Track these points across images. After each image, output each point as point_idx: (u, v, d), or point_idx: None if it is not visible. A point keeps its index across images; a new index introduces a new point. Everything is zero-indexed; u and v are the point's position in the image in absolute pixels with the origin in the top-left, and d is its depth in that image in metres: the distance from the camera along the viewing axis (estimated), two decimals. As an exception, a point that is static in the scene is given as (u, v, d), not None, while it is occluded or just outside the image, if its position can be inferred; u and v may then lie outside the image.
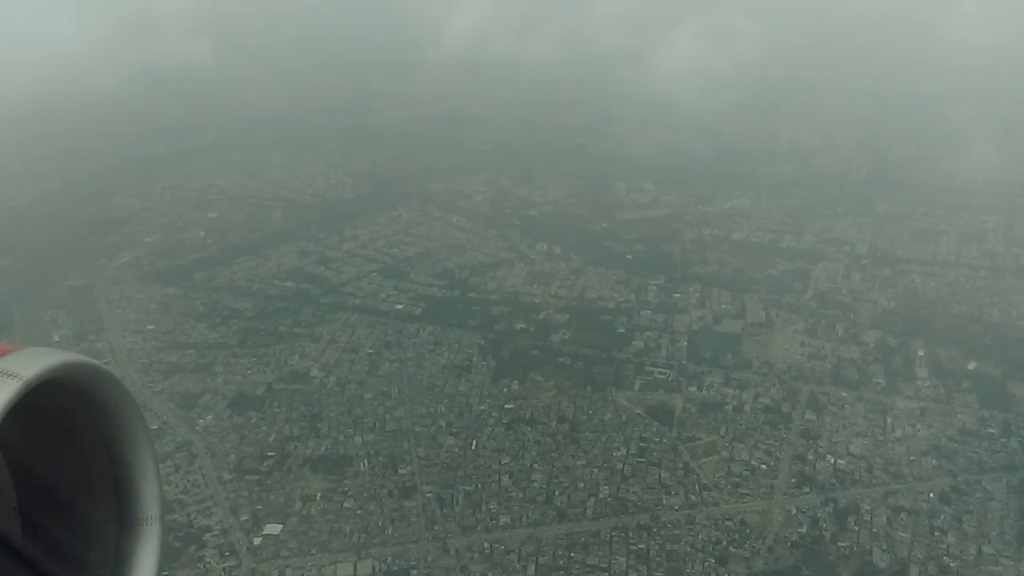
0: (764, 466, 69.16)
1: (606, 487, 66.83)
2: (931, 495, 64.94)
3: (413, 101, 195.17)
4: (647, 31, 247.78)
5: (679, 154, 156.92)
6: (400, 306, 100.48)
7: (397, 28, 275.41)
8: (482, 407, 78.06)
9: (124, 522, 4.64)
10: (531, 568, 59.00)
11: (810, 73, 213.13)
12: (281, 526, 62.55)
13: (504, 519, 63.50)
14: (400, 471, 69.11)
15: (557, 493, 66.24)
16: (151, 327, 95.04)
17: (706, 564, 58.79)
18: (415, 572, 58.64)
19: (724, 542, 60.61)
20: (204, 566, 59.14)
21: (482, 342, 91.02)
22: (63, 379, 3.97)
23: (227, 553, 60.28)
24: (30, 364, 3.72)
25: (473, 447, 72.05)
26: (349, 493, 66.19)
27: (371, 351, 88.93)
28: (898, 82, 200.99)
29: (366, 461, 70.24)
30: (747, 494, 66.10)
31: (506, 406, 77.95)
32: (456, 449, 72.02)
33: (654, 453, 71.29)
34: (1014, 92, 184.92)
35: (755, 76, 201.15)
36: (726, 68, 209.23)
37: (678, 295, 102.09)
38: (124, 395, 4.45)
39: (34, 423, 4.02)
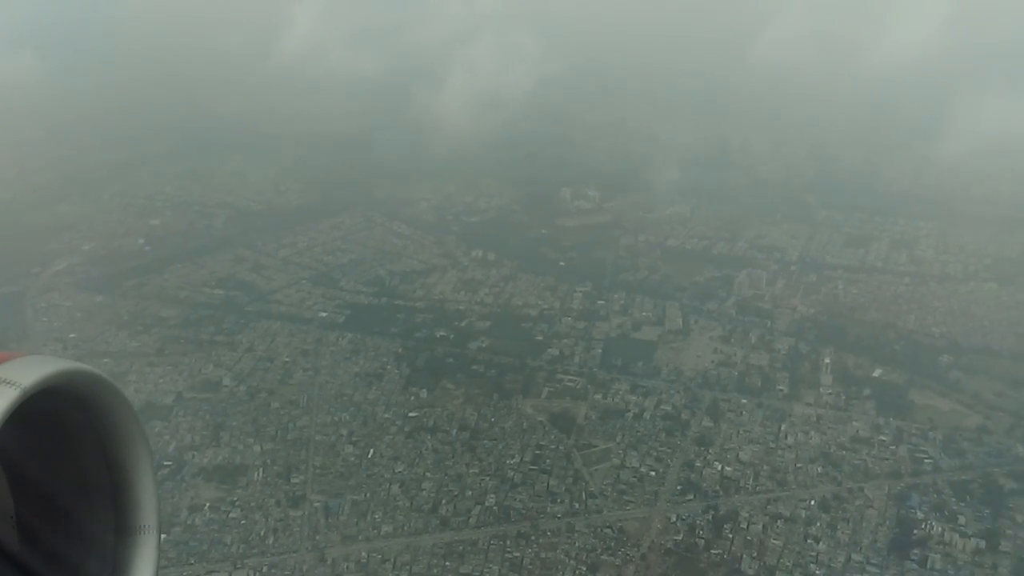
0: (653, 473, 69.91)
1: (493, 496, 67.48)
2: (812, 503, 65.73)
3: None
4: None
5: (628, 160, 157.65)
6: (324, 314, 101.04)
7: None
8: (387, 415, 78.66)
9: (121, 530, 4.63)
10: (405, 577, 59.65)
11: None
12: (164, 536, 62.85)
13: (387, 528, 64.11)
14: (293, 480, 69.65)
15: (444, 502, 66.87)
16: (73, 335, 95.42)
17: (577, 572, 59.52)
18: (290, 582, 59.17)
19: (599, 550, 61.23)
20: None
21: (400, 350, 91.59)
22: (61, 387, 3.98)
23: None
24: (28, 372, 3.73)
25: (370, 456, 72.65)
26: (237, 503, 66.71)
27: (287, 359, 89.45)
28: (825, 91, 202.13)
29: (261, 471, 70.77)
30: (631, 501, 66.84)
31: (410, 414, 78.57)
32: (352, 458, 72.58)
33: (547, 461, 71.95)
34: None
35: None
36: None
37: (602, 302, 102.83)
38: (122, 403, 4.45)
39: (32, 431, 3.99)
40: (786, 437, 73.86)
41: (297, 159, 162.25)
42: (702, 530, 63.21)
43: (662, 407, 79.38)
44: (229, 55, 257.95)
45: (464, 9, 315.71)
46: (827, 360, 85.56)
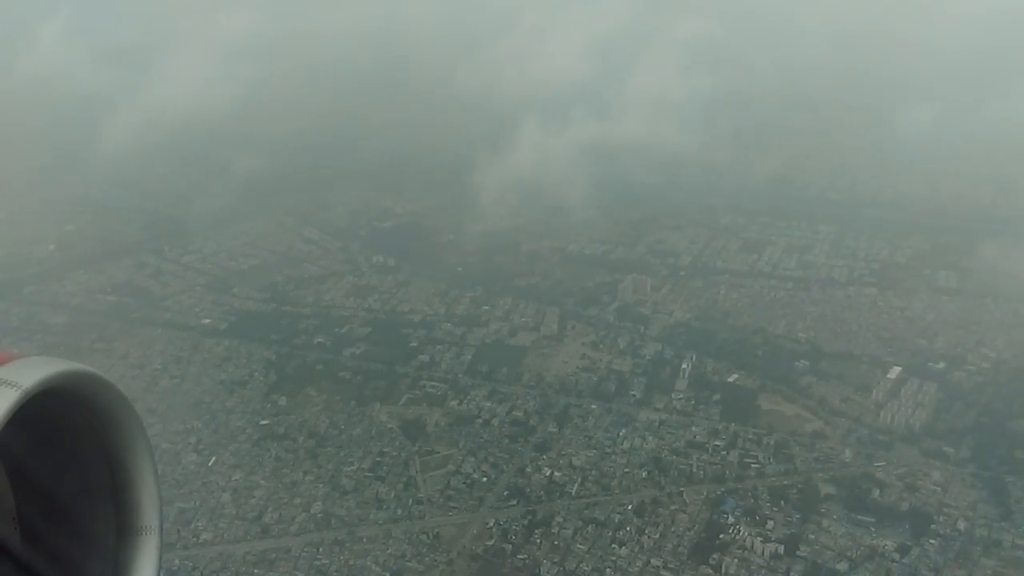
0: (485, 479, 71.17)
1: (320, 503, 68.71)
2: (629, 507, 67.02)
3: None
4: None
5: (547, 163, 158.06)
6: (207, 320, 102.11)
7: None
8: (239, 423, 79.74)
9: (123, 531, 4.62)
10: (213, 584, 60.77)
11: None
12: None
13: (206, 536, 65.27)
14: (128, 488, 70.50)
15: (271, 509, 68.05)
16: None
17: (380, 578, 60.67)
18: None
19: (408, 556, 62.49)
20: None
21: (273, 357, 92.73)
22: (63, 388, 3.98)
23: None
24: (29, 373, 3.74)
25: (211, 464, 73.70)
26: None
27: (158, 367, 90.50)
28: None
29: (100, 478, 71.61)
30: (456, 507, 68.08)
31: (262, 422, 79.64)
32: (193, 466, 73.70)
33: (385, 467, 73.19)
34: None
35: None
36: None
37: (487, 307, 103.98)
38: (124, 404, 4.46)
39: (33, 432, 4.00)
40: (623, 442, 75.04)
41: (225, 163, 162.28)
42: (514, 535, 64.53)
43: (513, 413, 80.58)
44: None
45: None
46: (685, 366, 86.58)
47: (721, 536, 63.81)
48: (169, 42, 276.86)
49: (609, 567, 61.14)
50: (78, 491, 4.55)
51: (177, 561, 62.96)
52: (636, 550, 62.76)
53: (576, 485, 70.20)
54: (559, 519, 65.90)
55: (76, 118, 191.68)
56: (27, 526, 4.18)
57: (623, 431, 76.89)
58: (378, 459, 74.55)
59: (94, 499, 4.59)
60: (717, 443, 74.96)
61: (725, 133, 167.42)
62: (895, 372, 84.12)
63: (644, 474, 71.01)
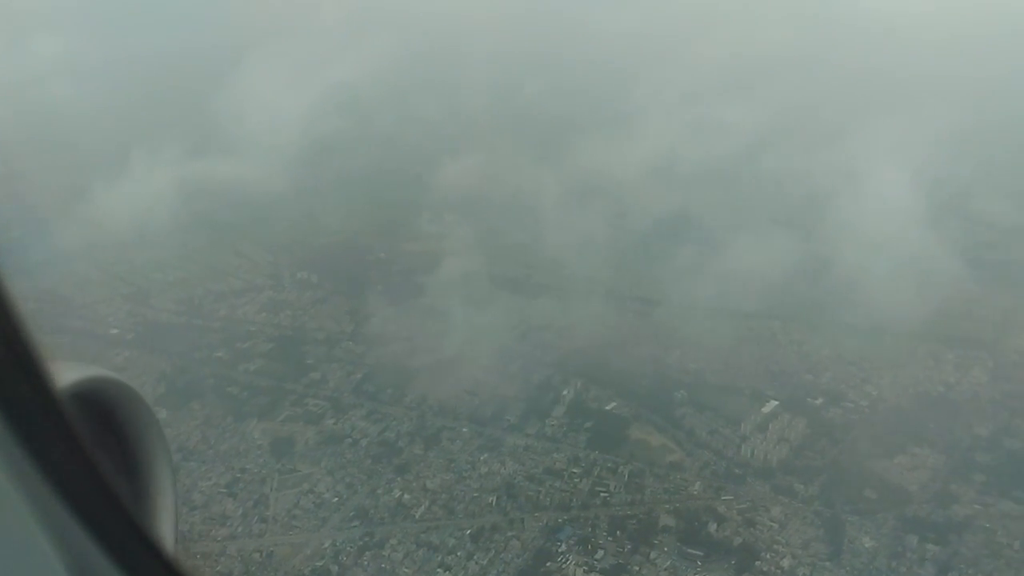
0: (336, 499, 72.05)
1: (167, 516, 69.51)
2: (467, 532, 67.59)
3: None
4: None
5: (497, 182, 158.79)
6: (115, 331, 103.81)
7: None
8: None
9: None
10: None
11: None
12: None
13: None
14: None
15: (117, 520, 68.95)
16: None
17: (201, 594, 61.48)
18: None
19: (233, 574, 63.32)
20: None
21: (168, 369, 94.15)
22: (88, 393, 3.93)
23: None
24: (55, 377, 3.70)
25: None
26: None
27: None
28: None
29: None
30: (297, 527, 68.96)
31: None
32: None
33: (241, 485, 74.18)
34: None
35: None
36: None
37: (395, 327, 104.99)
38: (148, 414, 4.48)
39: None
40: (482, 467, 75.73)
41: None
42: (345, 556, 65.19)
43: (385, 434, 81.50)
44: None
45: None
46: (566, 392, 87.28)
47: (547, 564, 64.36)
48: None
49: (428, 591, 61.61)
50: None
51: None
52: (460, 575, 63.20)
53: (422, 508, 70.90)
54: (393, 541, 66.56)
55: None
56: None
57: (485, 455, 77.40)
58: (237, 475, 75.51)
59: None
60: (575, 471, 75.50)
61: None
62: (770, 406, 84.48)
63: (493, 499, 71.52)
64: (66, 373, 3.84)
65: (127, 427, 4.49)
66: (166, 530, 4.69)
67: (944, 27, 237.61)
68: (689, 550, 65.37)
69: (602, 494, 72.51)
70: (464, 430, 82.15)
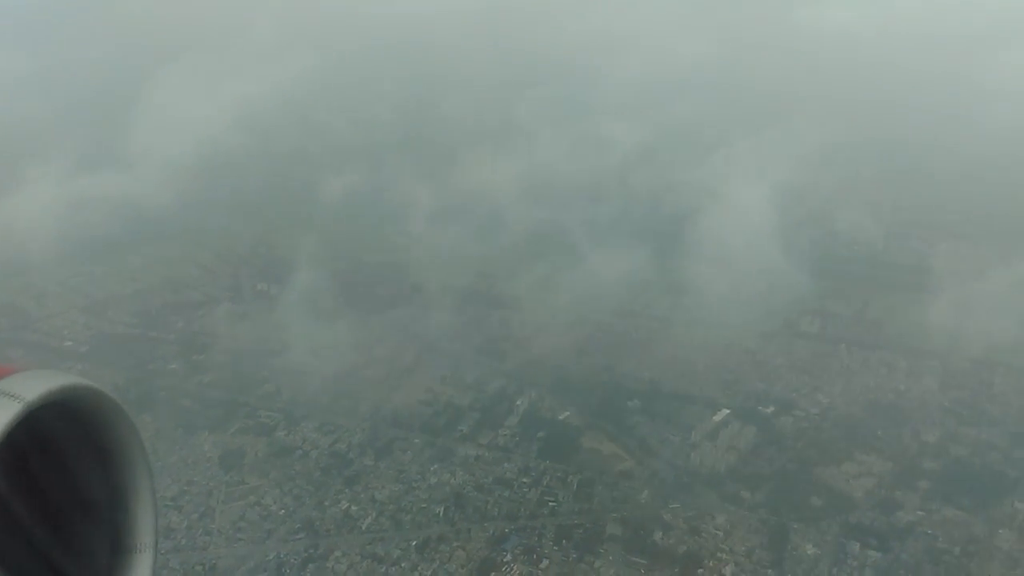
0: (282, 511, 71.51)
1: (109, 530, 68.66)
2: (414, 544, 67.28)
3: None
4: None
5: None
6: (70, 343, 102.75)
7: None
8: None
9: (118, 549, 4.55)
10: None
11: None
12: None
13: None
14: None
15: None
16: None
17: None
18: None
19: (175, 587, 62.61)
20: None
21: (122, 381, 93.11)
22: (64, 402, 3.96)
23: None
24: (32, 386, 3.73)
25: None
26: None
27: None
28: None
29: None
30: (242, 539, 68.36)
31: (82, 447, 79.76)
32: None
33: (187, 497, 73.46)
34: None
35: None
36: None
37: (351, 338, 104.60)
38: (124, 421, 4.41)
39: (33, 445, 3.97)
40: (432, 477, 75.47)
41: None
42: (288, 568, 64.63)
43: (336, 445, 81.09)
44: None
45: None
46: (519, 402, 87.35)
47: (492, 574, 64.08)
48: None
49: (368, 603, 61.20)
50: (75, 506, 4.50)
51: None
52: (403, 586, 62.91)
53: (369, 520, 70.56)
54: (338, 553, 66.12)
55: None
56: (23, 540, 4.14)
57: (435, 466, 77.21)
58: (185, 488, 74.80)
59: (91, 515, 4.55)
60: (524, 480, 75.50)
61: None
62: (722, 414, 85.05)
63: (441, 510, 71.28)
64: (43, 382, 3.87)
65: (105, 434, 4.47)
66: (146, 534, 4.67)
67: (863, 47, 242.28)
68: (633, 558, 65.52)
69: (550, 503, 72.96)
70: (416, 441, 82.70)
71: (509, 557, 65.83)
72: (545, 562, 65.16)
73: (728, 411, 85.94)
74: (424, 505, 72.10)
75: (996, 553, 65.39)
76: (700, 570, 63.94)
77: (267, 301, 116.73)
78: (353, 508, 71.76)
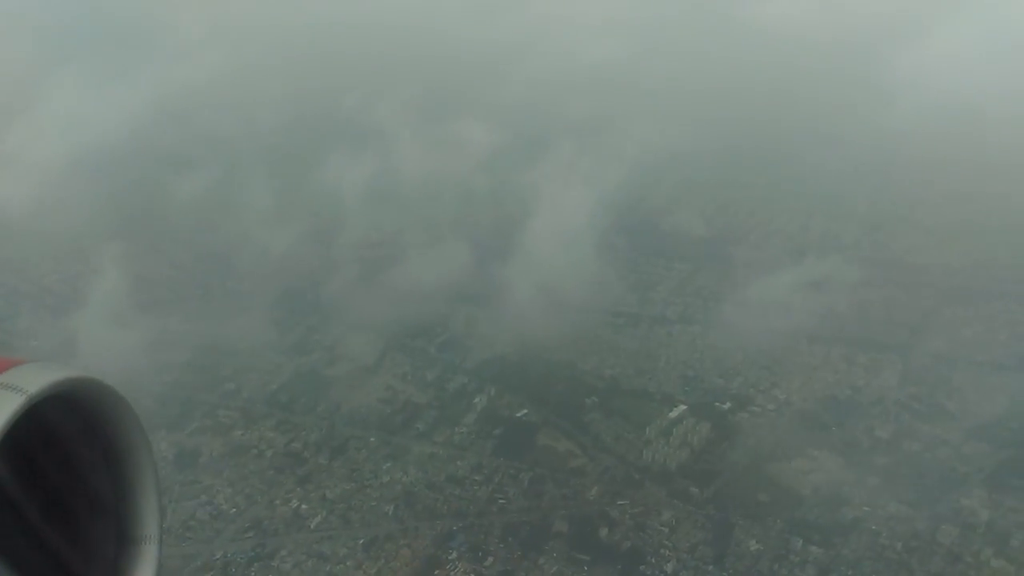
0: (233, 511, 71.98)
1: (59, 530, 69.15)
2: (361, 542, 67.90)
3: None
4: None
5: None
6: (35, 343, 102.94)
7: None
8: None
9: (123, 540, 4.58)
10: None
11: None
12: None
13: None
14: None
15: (7, 535, 68.47)
16: None
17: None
18: None
19: (119, 586, 62.97)
20: None
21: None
22: (67, 394, 3.98)
23: None
24: (34, 378, 3.73)
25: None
26: None
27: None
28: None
29: None
30: (191, 538, 68.84)
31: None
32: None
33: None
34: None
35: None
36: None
37: (318, 337, 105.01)
38: (128, 412, 4.44)
39: (36, 437, 3.99)
40: (384, 476, 75.95)
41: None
42: (235, 568, 65.13)
43: (292, 444, 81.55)
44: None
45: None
46: (477, 400, 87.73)
47: (436, 572, 64.87)
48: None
49: (310, 600, 61.71)
50: (79, 498, 4.52)
51: None
52: (351, 583, 63.42)
53: (318, 519, 71.02)
54: (284, 552, 66.60)
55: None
56: (28, 533, 4.17)
57: (388, 465, 77.68)
58: (138, 487, 74.97)
59: (95, 507, 4.58)
60: (476, 478, 75.95)
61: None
62: (678, 411, 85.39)
63: (391, 509, 71.78)
64: (45, 374, 3.88)
65: (108, 426, 4.47)
66: (151, 524, 4.70)
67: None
68: (577, 555, 66.03)
69: (500, 501, 73.50)
70: (372, 439, 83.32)
71: (454, 555, 66.37)
72: (490, 559, 65.67)
73: (685, 407, 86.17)
74: (374, 504, 72.62)
75: (937, 549, 65.89)
76: (642, 566, 64.41)
77: (237, 299, 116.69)
78: (303, 507, 72.26)
